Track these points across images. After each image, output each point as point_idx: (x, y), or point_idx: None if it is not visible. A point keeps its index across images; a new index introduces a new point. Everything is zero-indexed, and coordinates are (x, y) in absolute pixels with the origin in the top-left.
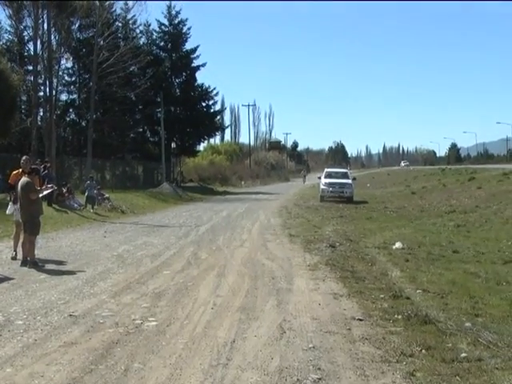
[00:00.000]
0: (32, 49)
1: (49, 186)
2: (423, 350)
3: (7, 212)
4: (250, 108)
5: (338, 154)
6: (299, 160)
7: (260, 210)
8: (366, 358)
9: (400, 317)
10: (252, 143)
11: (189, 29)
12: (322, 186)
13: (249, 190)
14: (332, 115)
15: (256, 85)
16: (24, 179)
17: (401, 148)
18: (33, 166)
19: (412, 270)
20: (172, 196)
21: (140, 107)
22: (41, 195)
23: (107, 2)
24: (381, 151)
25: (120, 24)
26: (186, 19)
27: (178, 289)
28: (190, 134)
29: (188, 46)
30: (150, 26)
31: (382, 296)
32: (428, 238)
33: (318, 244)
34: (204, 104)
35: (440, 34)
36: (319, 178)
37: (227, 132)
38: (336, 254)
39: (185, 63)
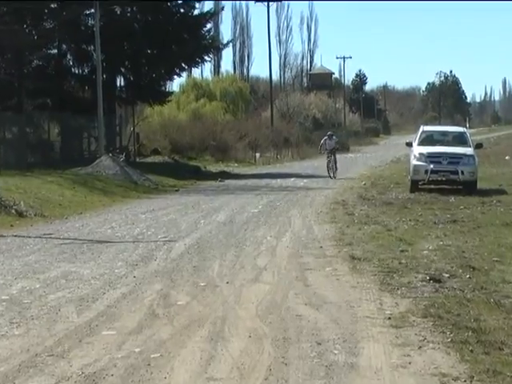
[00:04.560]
0: None
1: None
2: None
3: None
4: (271, 7)
5: (446, 99)
6: (369, 108)
7: (293, 208)
8: None
9: None
10: (275, 77)
11: None
12: (414, 162)
13: (270, 169)
14: (429, 30)
15: None
16: None
17: None
18: None
19: None
20: (119, 182)
21: (53, 7)
22: None
23: None
24: None
25: None
26: None
27: (132, 367)
28: (153, 59)
29: None
30: None
31: None
32: None
33: (407, 276)
34: (180, 1)
35: None
36: (408, 144)
37: (226, 55)
38: (444, 294)
39: None
